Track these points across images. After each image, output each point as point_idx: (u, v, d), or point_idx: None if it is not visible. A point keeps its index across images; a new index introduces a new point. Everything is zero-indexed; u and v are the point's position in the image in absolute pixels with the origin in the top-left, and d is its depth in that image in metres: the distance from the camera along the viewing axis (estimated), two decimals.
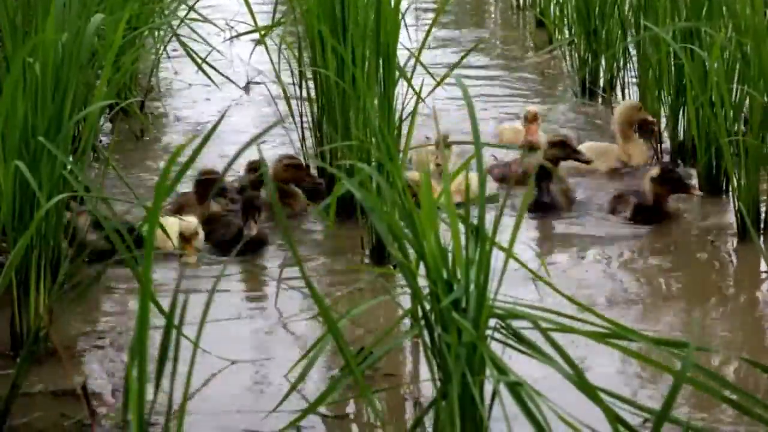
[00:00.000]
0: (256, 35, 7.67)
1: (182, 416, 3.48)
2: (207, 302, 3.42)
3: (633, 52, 8.68)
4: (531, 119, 7.57)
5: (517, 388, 3.64)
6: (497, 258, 3.88)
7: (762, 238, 6.37)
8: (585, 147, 7.42)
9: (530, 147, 7.25)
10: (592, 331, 3.96)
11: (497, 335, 3.92)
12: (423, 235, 3.83)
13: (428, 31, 6.55)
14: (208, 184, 6.56)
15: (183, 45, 8.35)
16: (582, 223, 6.74)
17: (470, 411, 3.74)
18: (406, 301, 4.69)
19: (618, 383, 4.71)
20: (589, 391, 3.57)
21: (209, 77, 8.32)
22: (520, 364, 3.96)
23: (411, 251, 3.98)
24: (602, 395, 3.62)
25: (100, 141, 8.09)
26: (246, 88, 9.42)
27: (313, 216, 6.83)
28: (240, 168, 7.02)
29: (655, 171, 6.67)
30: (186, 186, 6.74)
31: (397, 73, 6.30)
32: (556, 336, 3.80)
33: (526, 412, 3.57)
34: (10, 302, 5.17)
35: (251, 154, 6.21)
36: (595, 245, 6.40)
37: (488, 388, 3.83)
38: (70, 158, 5.39)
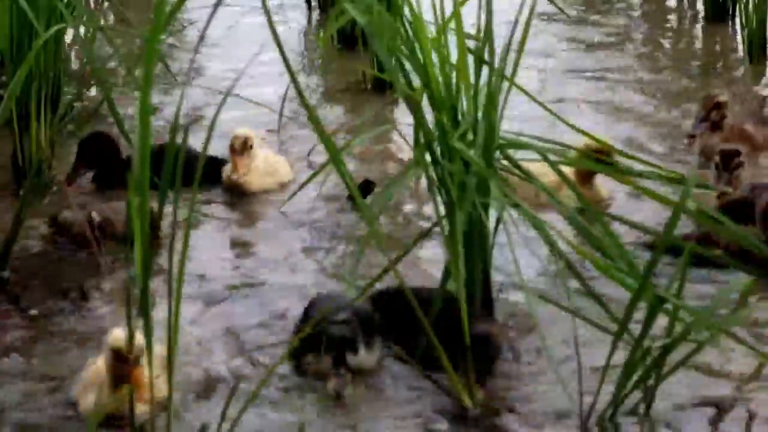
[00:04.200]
0: None
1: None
2: (212, 122, 3.26)
3: None
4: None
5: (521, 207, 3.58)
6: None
7: None
8: None
9: None
10: (597, 164, 3.93)
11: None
12: (428, 63, 3.72)
13: None
14: None
15: None
16: None
17: (476, 233, 3.71)
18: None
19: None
20: (588, 206, 3.56)
21: None
22: None
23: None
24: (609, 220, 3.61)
25: None
26: None
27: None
28: None
29: None
30: None
31: None
32: None
33: (534, 225, 3.51)
34: (11, 136, 5.14)
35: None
36: None
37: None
38: None
